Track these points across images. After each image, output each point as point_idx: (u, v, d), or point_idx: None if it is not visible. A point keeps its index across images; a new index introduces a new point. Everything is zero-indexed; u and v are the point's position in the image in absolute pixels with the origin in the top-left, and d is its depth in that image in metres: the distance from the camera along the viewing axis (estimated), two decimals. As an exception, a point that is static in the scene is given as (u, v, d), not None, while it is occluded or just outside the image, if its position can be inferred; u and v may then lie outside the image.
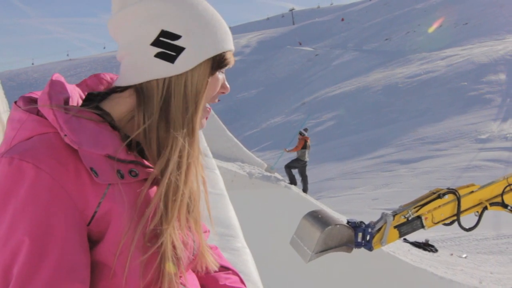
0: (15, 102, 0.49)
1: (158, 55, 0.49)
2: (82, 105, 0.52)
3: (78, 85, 0.55)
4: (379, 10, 43.30)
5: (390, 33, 32.79)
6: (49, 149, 0.44)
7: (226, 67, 0.54)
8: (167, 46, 0.49)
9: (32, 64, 55.38)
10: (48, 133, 0.45)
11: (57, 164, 0.44)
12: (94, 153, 0.46)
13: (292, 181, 7.01)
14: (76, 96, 0.52)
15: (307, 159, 7.13)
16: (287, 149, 7.42)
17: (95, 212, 0.45)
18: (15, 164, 0.42)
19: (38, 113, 0.47)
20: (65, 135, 0.45)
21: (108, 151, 0.47)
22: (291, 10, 64.26)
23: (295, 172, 7.14)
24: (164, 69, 0.49)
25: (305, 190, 7.10)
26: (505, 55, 18.60)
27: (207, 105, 0.55)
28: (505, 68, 17.25)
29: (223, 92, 0.55)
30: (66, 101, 0.49)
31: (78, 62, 48.45)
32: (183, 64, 0.49)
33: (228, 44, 0.53)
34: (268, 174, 6.54)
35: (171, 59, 0.49)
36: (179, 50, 0.49)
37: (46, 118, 0.46)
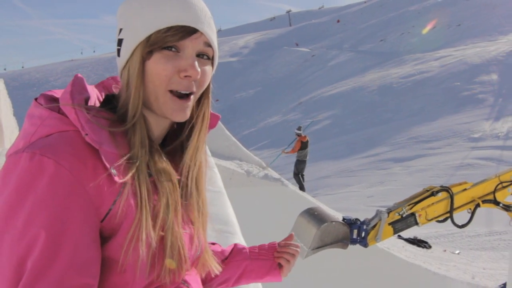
0: (36, 99, 0.50)
1: (117, 53, 0.53)
2: (101, 106, 0.54)
3: (96, 86, 0.57)
4: (374, 12, 43.46)
5: (385, 35, 32.95)
6: (69, 147, 0.45)
7: (167, 45, 0.48)
8: (118, 42, 0.52)
9: (22, 67, 54.08)
10: (69, 131, 0.47)
11: (77, 161, 0.45)
12: (113, 152, 0.47)
13: (302, 188, 6.96)
14: (94, 97, 0.54)
15: (307, 158, 7.19)
16: (285, 151, 7.46)
17: (110, 209, 0.46)
18: (37, 159, 0.43)
19: (59, 111, 0.48)
20: (86, 134, 0.46)
21: (125, 151, 0.49)
22: (288, 11, 64.32)
23: (299, 171, 7.17)
24: (119, 64, 0.53)
25: (301, 188, 7.15)
26: (497, 55, 18.82)
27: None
28: (497, 69, 17.46)
29: (187, 76, 0.49)
30: (86, 101, 0.51)
31: (79, 62, 47.68)
32: (124, 54, 0.51)
33: (167, 20, 0.48)
34: (266, 172, 6.57)
35: (119, 53, 0.52)
36: (121, 42, 0.51)
37: (67, 117, 0.47)
